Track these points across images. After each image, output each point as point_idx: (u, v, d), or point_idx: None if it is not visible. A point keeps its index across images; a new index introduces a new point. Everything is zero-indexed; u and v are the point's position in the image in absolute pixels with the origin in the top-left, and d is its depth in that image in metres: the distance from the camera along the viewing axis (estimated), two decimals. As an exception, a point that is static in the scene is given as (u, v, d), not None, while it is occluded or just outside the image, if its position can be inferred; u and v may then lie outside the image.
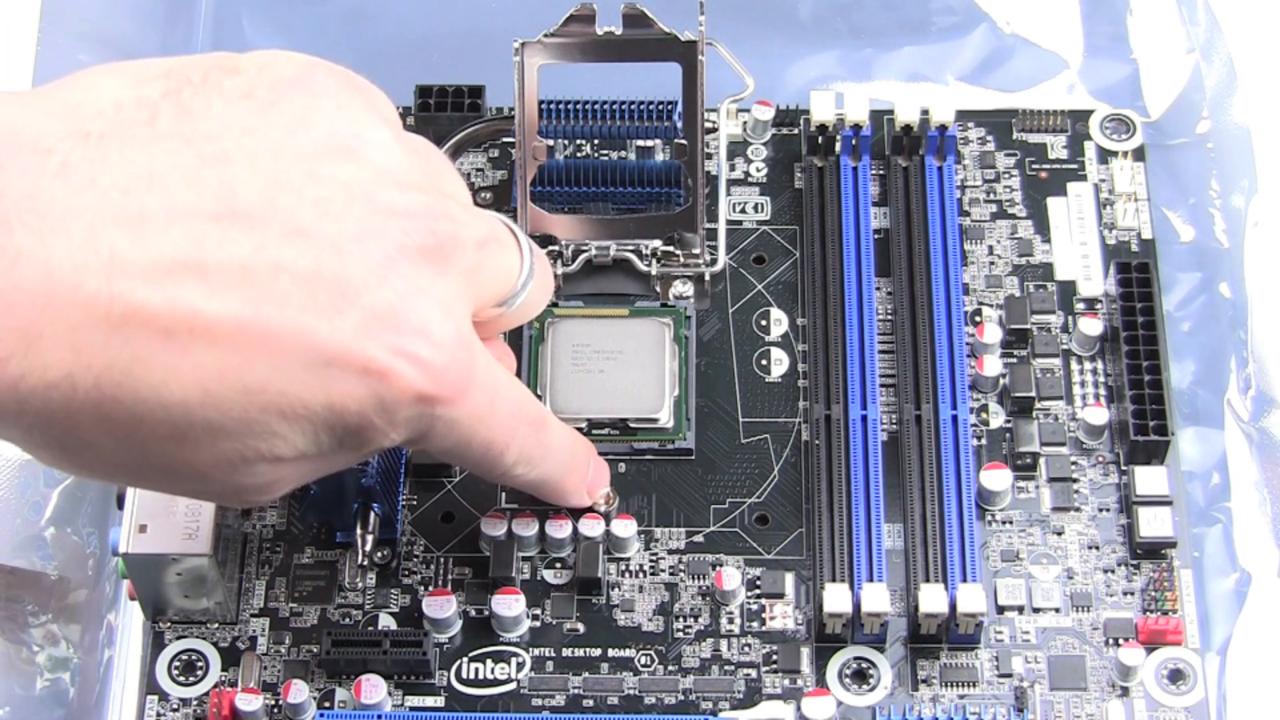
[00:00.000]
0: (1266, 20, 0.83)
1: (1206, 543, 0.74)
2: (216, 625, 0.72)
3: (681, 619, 0.72)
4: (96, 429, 0.54)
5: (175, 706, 0.71)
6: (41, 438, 0.55)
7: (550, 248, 0.78)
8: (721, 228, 0.78)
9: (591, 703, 0.71)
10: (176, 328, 0.53)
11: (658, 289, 0.78)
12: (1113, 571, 0.72)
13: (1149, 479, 0.73)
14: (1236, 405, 0.77)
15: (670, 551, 0.73)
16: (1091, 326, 0.76)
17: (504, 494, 0.74)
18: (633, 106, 0.77)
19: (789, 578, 0.72)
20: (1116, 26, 0.86)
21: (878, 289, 0.77)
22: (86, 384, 0.53)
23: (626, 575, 0.73)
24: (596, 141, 0.81)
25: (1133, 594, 0.72)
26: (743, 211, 0.80)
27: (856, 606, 0.70)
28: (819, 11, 0.88)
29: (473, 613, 0.72)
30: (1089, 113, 0.82)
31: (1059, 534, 0.73)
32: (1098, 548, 0.73)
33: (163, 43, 0.87)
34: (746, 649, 0.71)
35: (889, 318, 0.77)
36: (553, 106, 0.77)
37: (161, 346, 0.53)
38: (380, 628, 0.72)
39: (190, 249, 0.53)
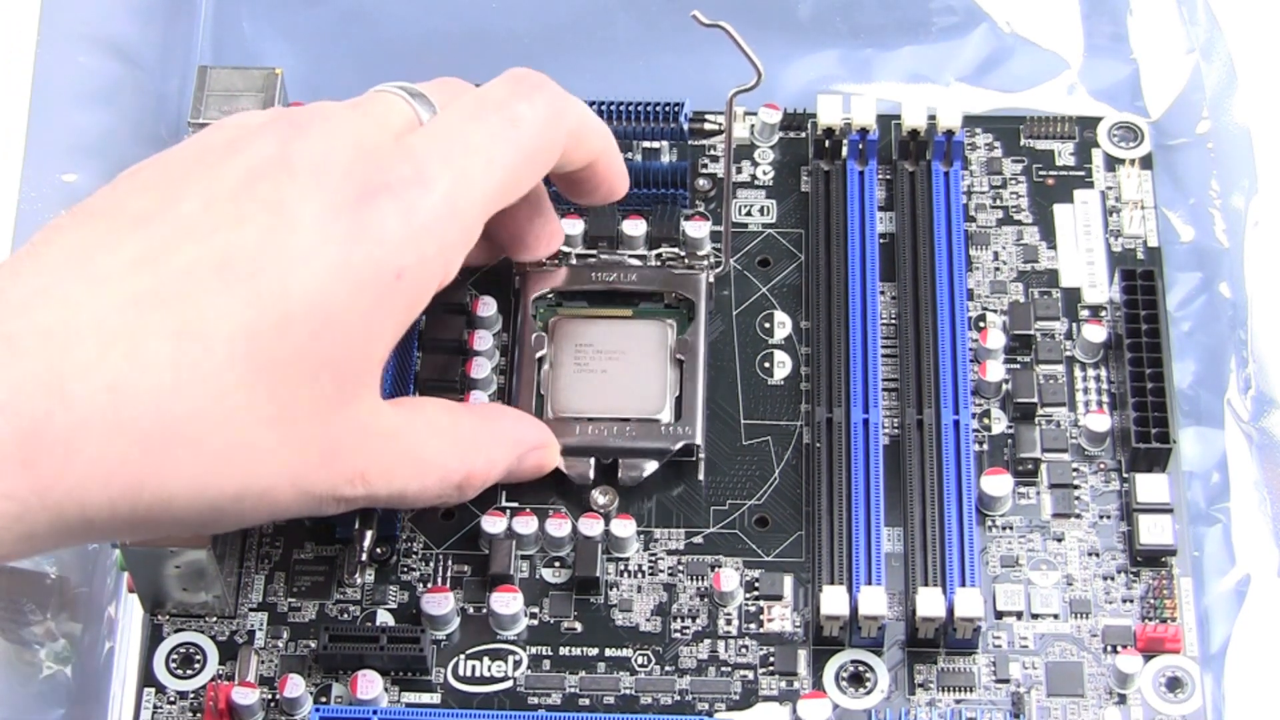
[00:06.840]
0: (1266, 20, 0.83)
1: (1206, 543, 0.74)
2: (215, 619, 0.72)
3: (679, 620, 0.72)
4: None
5: (172, 699, 0.71)
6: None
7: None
8: (726, 230, 0.78)
9: (588, 702, 0.70)
10: None
11: (661, 290, 0.77)
12: (1112, 578, 0.72)
13: (1150, 486, 0.73)
14: (1236, 405, 0.77)
15: (669, 552, 0.73)
16: (1095, 333, 0.76)
17: (504, 492, 0.74)
18: (638, 107, 0.78)
19: (787, 580, 0.72)
20: (1116, 27, 0.86)
21: (882, 293, 0.77)
22: None
23: (625, 575, 0.73)
24: (603, 143, 0.81)
25: (1132, 601, 0.72)
26: (748, 214, 0.80)
27: (854, 609, 0.69)
28: (819, 11, 0.88)
29: (470, 610, 0.72)
30: (1097, 120, 0.82)
31: (1059, 540, 0.73)
32: (1097, 554, 0.73)
33: (163, 43, 0.87)
34: (744, 650, 0.71)
35: (893, 322, 0.77)
36: (558, 107, 0.77)
37: None
38: (378, 624, 0.72)
39: None
